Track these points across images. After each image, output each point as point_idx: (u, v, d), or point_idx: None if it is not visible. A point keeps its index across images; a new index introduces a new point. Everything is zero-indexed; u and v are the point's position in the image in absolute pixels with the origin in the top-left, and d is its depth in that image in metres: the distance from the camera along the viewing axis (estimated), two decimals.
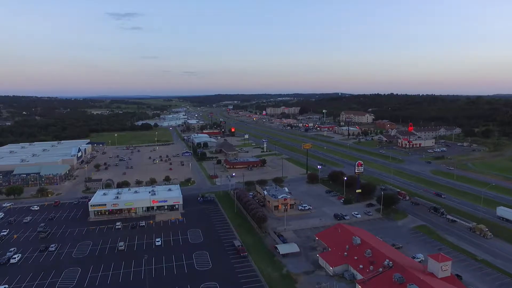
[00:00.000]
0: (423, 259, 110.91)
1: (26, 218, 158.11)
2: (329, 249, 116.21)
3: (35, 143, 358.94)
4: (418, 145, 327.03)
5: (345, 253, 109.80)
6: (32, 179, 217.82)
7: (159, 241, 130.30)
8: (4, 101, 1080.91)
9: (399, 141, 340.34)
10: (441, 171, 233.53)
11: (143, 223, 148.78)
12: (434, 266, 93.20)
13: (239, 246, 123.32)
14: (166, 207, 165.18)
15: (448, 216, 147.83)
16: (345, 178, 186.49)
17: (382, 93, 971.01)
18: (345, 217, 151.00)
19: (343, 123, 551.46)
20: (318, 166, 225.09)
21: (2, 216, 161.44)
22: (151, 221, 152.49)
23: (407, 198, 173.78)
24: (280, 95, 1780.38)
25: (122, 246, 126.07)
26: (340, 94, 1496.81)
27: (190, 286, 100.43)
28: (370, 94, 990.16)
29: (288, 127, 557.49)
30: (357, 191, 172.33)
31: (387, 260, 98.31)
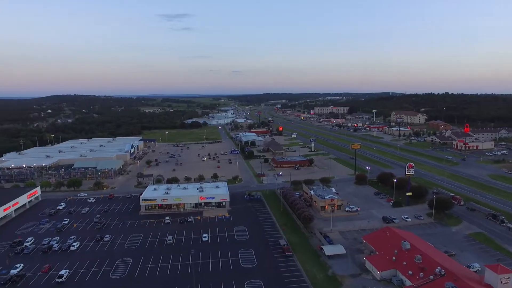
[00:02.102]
0: (479, 269, 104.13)
1: (84, 209, 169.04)
2: (377, 253, 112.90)
3: (93, 139, 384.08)
4: (475, 147, 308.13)
5: (394, 258, 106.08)
6: (90, 173, 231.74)
7: (206, 236, 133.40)
8: (66, 99, 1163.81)
9: (454, 143, 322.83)
10: (500, 175, 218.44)
11: (191, 219, 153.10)
12: (493, 277, 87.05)
13: (284, 245, 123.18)
14: (213, 204, 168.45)
15: (509, 225, 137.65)
16: (395, 180, 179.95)
17: (436, 92, 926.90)
18: (394, 220, 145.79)
19: (393, 123, 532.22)
20: (367, 167, 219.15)
21: (64, 206, 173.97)
22: (199, 217, 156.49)
23: (462, 203, 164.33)
24: (328, 94, 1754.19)
25: (170, 240, 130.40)
26: (391, 93, 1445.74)
27: (235, 283, 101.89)
28: (423, 94, 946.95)
29: (337, 127, 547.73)
30: (407, 193, 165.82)
31: (439, 267, 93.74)
